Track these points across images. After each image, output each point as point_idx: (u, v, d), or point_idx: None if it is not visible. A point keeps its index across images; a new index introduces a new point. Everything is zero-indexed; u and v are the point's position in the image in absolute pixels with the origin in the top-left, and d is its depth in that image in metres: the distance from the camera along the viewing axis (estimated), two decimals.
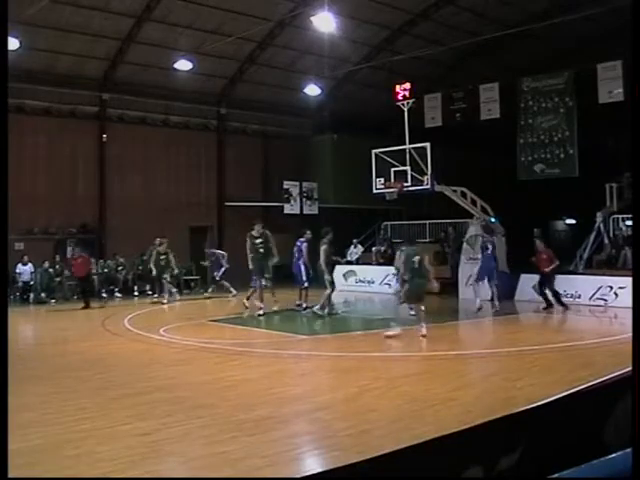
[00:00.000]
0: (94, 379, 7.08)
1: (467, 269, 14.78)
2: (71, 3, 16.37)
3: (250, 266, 12.24)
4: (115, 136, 19.14)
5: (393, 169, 15.77)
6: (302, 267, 12.69)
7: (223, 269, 16.65)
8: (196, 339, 9.69)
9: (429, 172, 15.05)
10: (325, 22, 15.87)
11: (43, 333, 12.07)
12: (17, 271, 16.61)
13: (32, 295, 16.53)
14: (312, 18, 16.01)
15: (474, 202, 15.92)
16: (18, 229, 16.28)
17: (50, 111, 18.21)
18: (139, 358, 8.51)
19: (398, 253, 10.70)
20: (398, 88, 15.60)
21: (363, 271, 18.20)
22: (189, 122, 20.92)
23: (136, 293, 17.81)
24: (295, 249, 13.02)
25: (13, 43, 15.72)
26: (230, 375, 7.18)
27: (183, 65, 18.38)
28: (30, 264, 16.69)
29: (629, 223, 14.16)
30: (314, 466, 4.32)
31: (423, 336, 9.21)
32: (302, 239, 12.86)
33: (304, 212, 21.04)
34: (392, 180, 15.89)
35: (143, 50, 18.38)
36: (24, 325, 13.16)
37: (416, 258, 9.51)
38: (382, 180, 16.05)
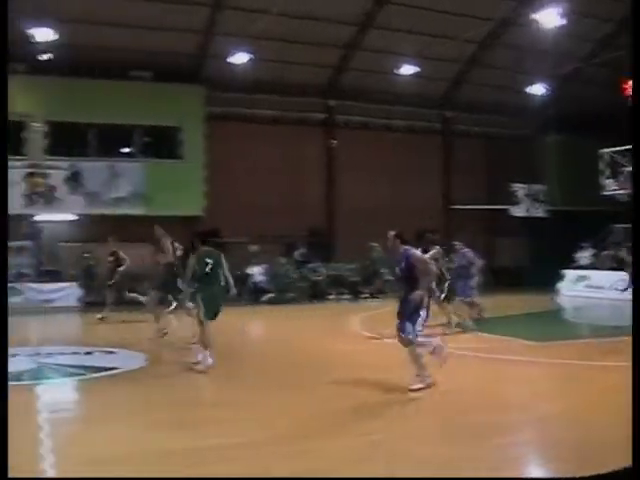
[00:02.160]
0: (320, 378, 9.65)
1: None
2: (296, 15, 23.33)
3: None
4: (341, 141, 26.08)
5: (624, 169, 20.05)
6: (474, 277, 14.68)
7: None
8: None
9: None
10: (549, 18, 20.63)
11: (279, 331, 16.38)
12: (249, 272, 23.97)
13: (265, 295, 23.53)
14: (535, 15, 20.93)
15: None
16: (251, 232, 23.66)
17: (279, 119, 25.67)
18: (365, 359, 11.31)
19: None
20: (625, 85, 19.88)
21: (594, 276, 22.55)
22: (412, 126, 27.20)
23: (364, 295, 24.18)
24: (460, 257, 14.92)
25: (243, 56, 23.32)
26: (451, 379, 8.75)
27: (406, 69, 24.55)
28: (262, 266, 23.91)
29: None
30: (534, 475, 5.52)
31: None
32: (464, 248, 14.87)
33: (531, 215, 25.96)
34: (623, 180, 20.16)
35: (366, 56, 25.00)
36: (261, 323, 18.75)
37: None
38: (612, 181, 20.41)
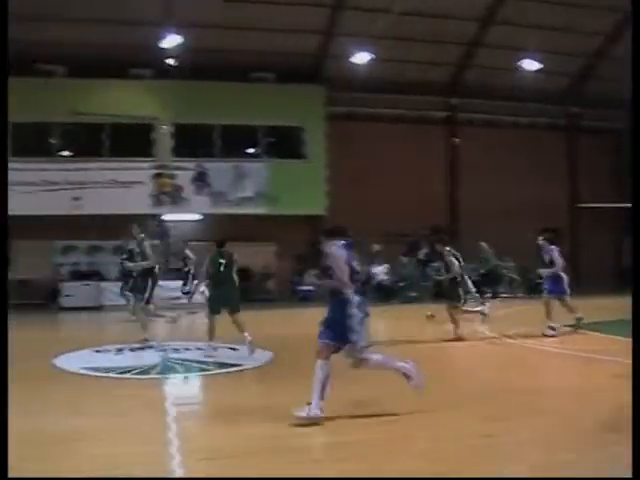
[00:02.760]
0: (449, 376, 9.84)
1: None
2: (417, 13, 23.48)
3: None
4: (463, 139, 26.01)
5: None
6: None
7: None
8: (553, 344, 12.33)
9: None
10: None
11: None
12: (372, 271, 24.13)
13: (388, 294, 23.71)
14: None
15: None
16: (373, 231, 23.83)
17: (401, 118, 25.80)
18: (493, 360, 11.47)
19: None
20: None
21: None
22: (536, 122, 26.81)
23: (487, 295, 23.93)
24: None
25: (364, 56, 23.61)
26: (594, 383, 8.81)
27: (529, 65, 24.26)
28: (385, 265, 24.06)
29: None
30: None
31: None
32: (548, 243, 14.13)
33: None
34: None
35: (489, 52, 24.86)
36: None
37: None
38: None
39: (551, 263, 13.86)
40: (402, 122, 25.77)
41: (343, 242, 7.24)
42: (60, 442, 6.45)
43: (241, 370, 10.41)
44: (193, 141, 23.25)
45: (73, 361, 11.33)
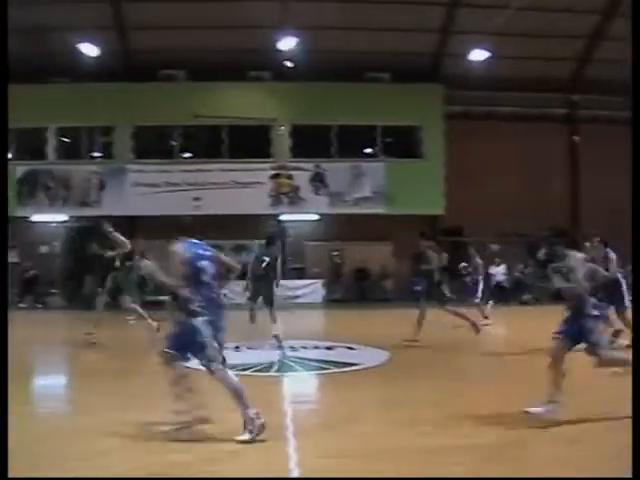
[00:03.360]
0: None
1: None
2: (535, 8, 23.22)
3: None
4: (584, 137, 25.59)
5: None
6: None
7: None
8: None
9: None
10: None
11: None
12: (490, 272, 24.01)
13: (506, 295, 23.60)
14: None
15: None
16: (491, 231, 23.75)
17: (519, 116, 25.59)
18: None
19: None
20: None
21: None
22: None
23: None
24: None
25: (482, 53, 23.54)
26: None
27: None
28: (503, 265, 23.90)
29: None
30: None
31: None
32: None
33: None
34: None
35: (611, 46, 24.40)
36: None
37: None
38: None
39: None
40: (520, 120, 25.56)
41: None
42: (182, 436, 6.75)
43: (358, 369, 10.53)
44: (311, 142, 23.75)
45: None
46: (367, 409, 7.90)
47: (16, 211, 23.81)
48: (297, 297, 22.31)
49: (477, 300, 17.58)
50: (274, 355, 11.79)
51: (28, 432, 7.03)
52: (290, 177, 23.69)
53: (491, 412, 7.37)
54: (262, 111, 23.74)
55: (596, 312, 6.92)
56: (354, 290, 23.81)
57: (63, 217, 24.78)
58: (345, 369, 10.56)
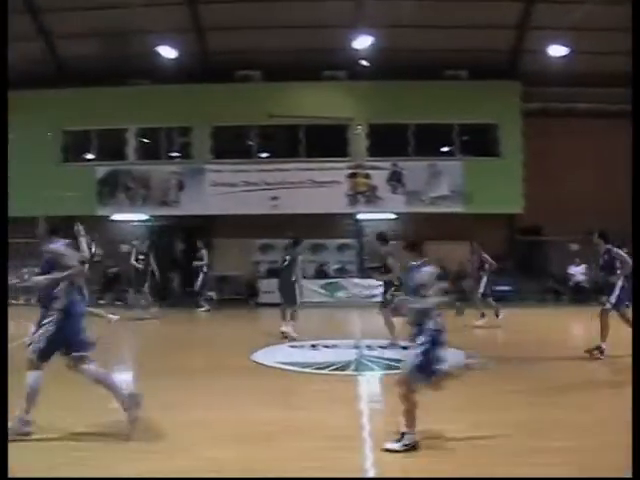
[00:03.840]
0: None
1: None
2: (614, 1, 22.97)
3: None
4: None
5: None
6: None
7: None
8: None
9: None
10: None
11: None
12: (570, 272, 24.03)
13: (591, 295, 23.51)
14: None
15: None
16: (570, 230, 23.74)
17: (600, 112, 25.47)
18: None
19: None
20: None
21: None
22: None
23: None
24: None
25: (560, 49, 23.49)
26: None
27: None
28: (583, 265, 23.88)
29: None
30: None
31: None
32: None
33: None
34: None
35: None
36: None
37: None
38: None
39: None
40: (599, 117, 25.41)
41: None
42: (257, 434, 7.14)
43: None
44: (388, 140, 24.07)
45: (270, 355, 12.29)
46: (439, 408, 7.99)
47: (97, 210, 24.77)
48: (374, 296, 22.60)
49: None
50: (351, 354, 12.21)
51: (104, 427, 7.40)
52: (367, 176, 24.06)
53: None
54: (338, 110, 24.14)
55: None
56: None
57: (143, 216, 25.58)
58: None
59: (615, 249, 13.11)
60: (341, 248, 25.13)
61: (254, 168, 24.55)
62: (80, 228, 14.36)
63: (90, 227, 23.32)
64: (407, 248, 7.26)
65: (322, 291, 23.87)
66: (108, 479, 5.91)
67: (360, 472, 5.97)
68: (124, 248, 25.59)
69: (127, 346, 15.19)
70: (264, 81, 24.96)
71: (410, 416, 6.64)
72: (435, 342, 6.85)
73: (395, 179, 24.04)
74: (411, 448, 6.49)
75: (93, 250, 14.21)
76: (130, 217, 25.73)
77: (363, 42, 23.57)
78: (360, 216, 24.73)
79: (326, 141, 24.47)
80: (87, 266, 14.35)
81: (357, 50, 23.85)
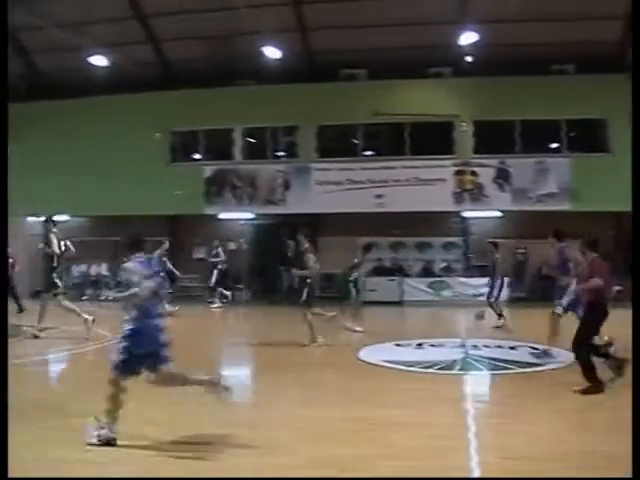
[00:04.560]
0: None
1: None
2: None
3: None
4: None
5: None
6: None
7: None
8: None
9: None
10: None
11: None
12: None
13: None
14: None
15: None
16: None
17: None
18: None
19: None
20: None
21: None
22: None
23: None
24: None
25: None
26: None
27: None
28: None
29: None
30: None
31: None
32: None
33: None
34: None
35: None
36: None
37: None
38: None
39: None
40: None
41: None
42: (359, 431, 7.40)
43: (542, 370, 10.81)
44: (493, 138, 24.32)
45: (376, 354, 12.61)
46: (545, 411, 8.18)
47: (204, 209, 25.95)
48: (481, 295, 23.04)
49: None
50: (457, 353, 12.38)
51: (209, 420, 7.93)
52: (474, 174, 24.44)
53: None
54: (443, 108, 24.62)
55: None
56: (538, 289, 24.28)
57: (249, 215, 26.65)
58: (528, 369, 10.87)
59: (569, 248, 12.83)
60: (447, 246, 25.64)
61: (359, 166, 25.26)
62: (51, 225, 15.75)
63: (198, 225, 24.64)
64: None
65: (428, 289, 24.48)
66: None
67: (464, 472, 6.12)
68: (231, 246, 26.83)
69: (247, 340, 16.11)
70: (369, 79, 25.63)
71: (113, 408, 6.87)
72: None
73: (502, 177, 24.36)
74: (106, 443, 6.67)
75: (64, 248, 15.44)
76: (237, 216, 26.80)
77: (468, 38, 23.88)
78: (466, 214, 25.15)
79: (431, 139, 25.00)
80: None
81: (462, 46, 24.19)
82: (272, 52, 24.51)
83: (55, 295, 14.95)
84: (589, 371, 9.01)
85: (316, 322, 14.37)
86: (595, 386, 8.94)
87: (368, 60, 25.24)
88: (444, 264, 25.27)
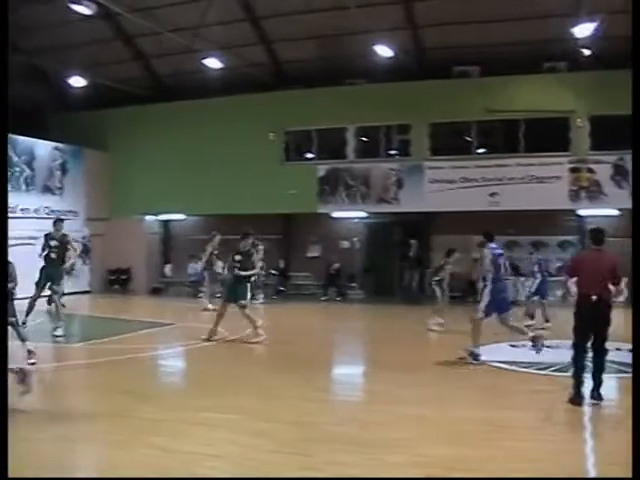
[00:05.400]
0: None
1: None
2: None
3: None
4: None
5: None
6: None
7: None
8: None
9: None
10: None
11: None
12: None
13: None
14: None
15: None
16: None
17: None
18: None
19: None
20: None
21: None
22: None
23: None
24: None
25: None
26: None
27: None
28: None
29: None
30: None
31: None
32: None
33: None
34: None
35: None
36: None
37: None
38: None
39: None
40: None
41: None
42: (473, 432, 7.75)
43: None
44: (611, 133, 24.18)
45: (492, 354, 12.96)
46: None
47: (318, 208, 27.01)
48: None
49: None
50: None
51: (321, 416, 8.71)
52: (590, 171, 24.55)
53: None
54: (559, 103, 24.80)
55: None
56: None
57: (362, 214, 27.58)
58: None
59: (486, 249, 13.16)
60: (562, 245, 25.84)
61: (472, 164, 25.69)
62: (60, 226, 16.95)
63: (311, 224, 25.77)
64: None
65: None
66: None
67: (578, 473, 6.34)
68: (344, 244, 27.87)
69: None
70: (482, 76, 26.00)
71: None
72: None
73: (620, 174, 24.36)
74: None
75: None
76: (350, 214, 27.79)
77: (584, 30, 23.82)
78: (582, 212, 25.28)
79: (546, 135, 25.16)
80: None
81: (578, 39, 24.16)
82: (383, 50, 25.12)
83: None
84: None
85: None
86: None
87: (480, 56, 25.60)
88: (559, 263, 25.46)
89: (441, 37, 25.59)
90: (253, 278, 16.59)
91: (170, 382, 12.05)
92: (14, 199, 26.06)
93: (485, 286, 12.86)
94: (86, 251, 29.57)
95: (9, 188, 25.65)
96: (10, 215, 25.19)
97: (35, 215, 27.28)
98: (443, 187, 25.62)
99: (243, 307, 15.23)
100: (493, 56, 25.19)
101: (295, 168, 27.92)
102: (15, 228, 25.33)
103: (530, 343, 12.69)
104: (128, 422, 8.45)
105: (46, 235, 16.86)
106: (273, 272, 27.37)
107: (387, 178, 26.59)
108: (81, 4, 22.45)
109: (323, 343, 15.68)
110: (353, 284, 27.99)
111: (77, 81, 28.38)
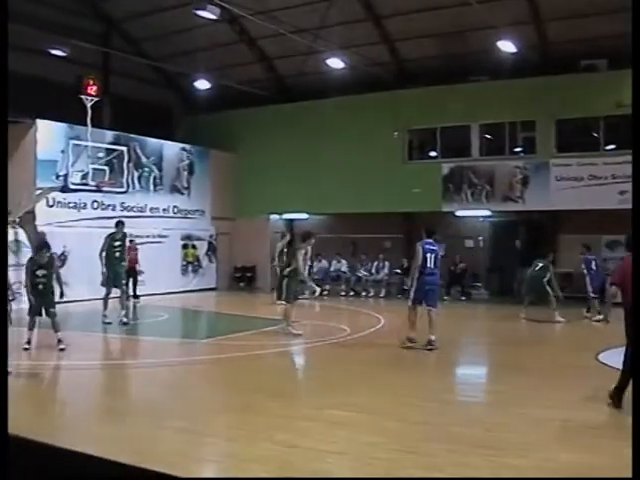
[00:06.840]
0: None
1: None
2: None
3: None
4: None
5: None
6: None
7: None
8: None
9: None
10: None
11: None
12: None
13: None
14: None
15: None
16: None
17: None
18: None
19: None
20: None
21: None
22: None
23: None
24: None
25: None
26: None
27: None
28: None
29: None
30: None
31: None
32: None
33: None
34: None
35: None
36: None
37: None
38: None
39: None
40: None
41: None
42: (603, 436, 8.03)
43: None
44: None
45: (616, 357, 12.35)
46: None
47: (442, 206, 28.09)
48: None
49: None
50: None
51: (445, 417, 9.19)
52: None
53: None
54: None
55: None
56: None
57: (486, 212, 28.48)
58: None
59: (418, 244, 15.24)
60: None
61: (601, 161, 26.02)
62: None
63: (434, 223, 27.00)
64: None
65: None
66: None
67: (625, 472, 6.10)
68: (469, 243, 28.89)
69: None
70: (609, 69, 26.22)
71: None
72: None
73: None
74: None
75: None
76: (474, 213, 28.77)
77: None
78: None
79: None
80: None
81: None
82: (507, 46, 25.78)
83: None
84: None
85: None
86: None
87: (608, 48, 25.72)
88: None
89: (566, 30, 25.97)
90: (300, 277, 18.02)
91: (294, 379, 13.39)
92: (143, 199, 28.38)
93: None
94: (212, 249, 31.72)
95: (138, 188, 27.99)
96: (139, 214, 27.66)
97: (164, 214, 29.53)
98: (570, 185, 26.10)
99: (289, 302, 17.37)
100: (622, 48, 25.37)
101: (418, 166, 29.11)
102: (145, 227, 27.75)
103: None
104: (252, 418, 9.26)
105: (108, 235, 18.98)
106: (397, 271, 28.59)
107: (512, 176, 27.28)
108: (206, 10, 24.39)
109: (448, 343, 16.39)
110: (478, 284, 28.90)
111: (203, 84, 30.52)
